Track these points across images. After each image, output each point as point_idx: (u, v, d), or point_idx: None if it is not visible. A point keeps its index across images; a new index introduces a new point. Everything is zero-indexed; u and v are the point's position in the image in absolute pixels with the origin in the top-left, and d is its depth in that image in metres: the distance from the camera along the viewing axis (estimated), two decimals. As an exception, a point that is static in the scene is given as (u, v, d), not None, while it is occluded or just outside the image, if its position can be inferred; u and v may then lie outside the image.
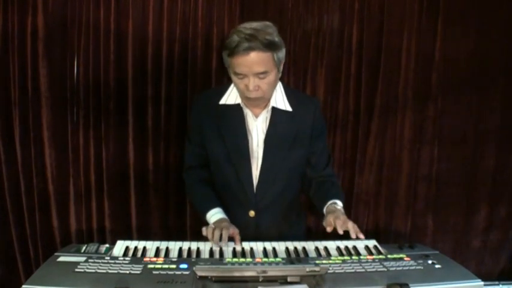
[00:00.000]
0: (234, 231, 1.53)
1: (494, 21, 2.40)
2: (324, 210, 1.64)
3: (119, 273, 1.22)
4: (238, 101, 1.62)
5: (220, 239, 1.46)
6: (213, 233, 1.48)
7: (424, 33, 2.36)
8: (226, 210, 1.65)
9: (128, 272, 1.23)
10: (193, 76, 2.24)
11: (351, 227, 1.47)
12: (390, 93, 2.40)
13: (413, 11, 2.34)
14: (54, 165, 2.22)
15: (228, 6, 2.22)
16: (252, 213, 1.66)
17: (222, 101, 1.64)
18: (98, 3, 2.13)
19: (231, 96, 1.63)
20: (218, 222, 1.57)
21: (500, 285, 2.64)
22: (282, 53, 1.51)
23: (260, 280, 1.17)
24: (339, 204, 1.64)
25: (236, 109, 1.62)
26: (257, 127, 1.62)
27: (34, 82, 2.13)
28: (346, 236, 1.57)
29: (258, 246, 1.48)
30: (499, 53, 2.43)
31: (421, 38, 2.36)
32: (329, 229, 1.48)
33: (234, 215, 1.64)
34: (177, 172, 2.31)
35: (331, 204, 1.63)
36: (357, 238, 1.47)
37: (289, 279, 1.18)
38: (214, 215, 1.61)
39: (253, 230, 1.66)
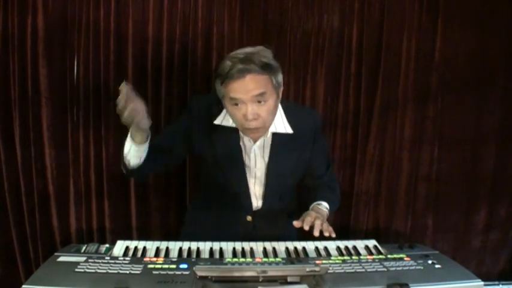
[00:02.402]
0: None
1: (494, 21, 2.40)
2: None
3: (119, 273, 1.22)
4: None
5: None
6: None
7: (424, 33, 2.36)
8: (222, 212, 1.63)
9: (128, 272, 1.23)
10: (193, 76, 2.23)
11: (318, 224, 1.36)
12: (390, 93, 2.40)
13: (413, 10, 2.33)
14: (54, 165, 2.22)
15: (228, 6, 2.22)
16: (249, 218, 1.64)
17: (217, 121, 1.52)
18: (98, 3, 2.12)
19: (227, 117, 1.50)
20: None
21: (500, 285, 2.64)
22: (280, 77, 1.42)
23: (260, 280, 1.17)
24: (323, 204, 1.57)
25: (232, 131, 1.51)
26: (255, 150, 1.55)
27: (34, 82, 2.13)
28: (346, 236, 1.57)
29: (258, 246, 1.48)
30: (499, 53, 2.43)
31: (421, 38, 2.36)
32: (296, 224, 1.39)
33: (230, 217, 1.63)
34: (178, 172, 2.31)
35: (315, 205, 1.57)
36: (330, 237, 1.37)
37: (289, 279, 1.18)
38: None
39: (250, 230, 1.64)
